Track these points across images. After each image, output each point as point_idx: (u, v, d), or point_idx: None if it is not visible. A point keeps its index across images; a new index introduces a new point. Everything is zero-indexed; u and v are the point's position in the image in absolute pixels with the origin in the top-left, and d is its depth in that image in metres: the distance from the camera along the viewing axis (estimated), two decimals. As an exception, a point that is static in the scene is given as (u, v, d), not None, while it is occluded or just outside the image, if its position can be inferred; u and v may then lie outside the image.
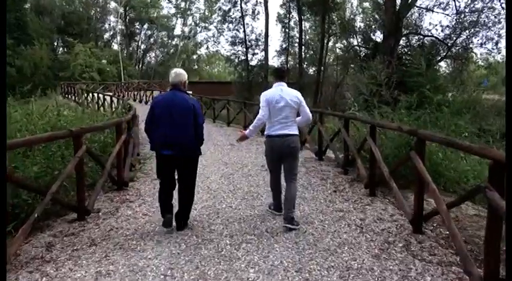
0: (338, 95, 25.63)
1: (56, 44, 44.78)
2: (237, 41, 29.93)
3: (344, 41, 30.57)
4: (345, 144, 6.84)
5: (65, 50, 43.76)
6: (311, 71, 31.59)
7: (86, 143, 5.70)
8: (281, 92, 4.10)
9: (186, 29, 50.19)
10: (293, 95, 4.13)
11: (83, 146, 4.44)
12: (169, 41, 51.20)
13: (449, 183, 5.53)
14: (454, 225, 3.17)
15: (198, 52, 52.92)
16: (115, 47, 48.00)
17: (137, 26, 49.72)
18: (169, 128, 3.81)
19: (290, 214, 4.06)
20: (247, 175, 6.74)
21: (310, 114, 4.23)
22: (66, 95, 24.58)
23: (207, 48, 45.13)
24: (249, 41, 29.96)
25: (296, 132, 4.14)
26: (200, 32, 49.84)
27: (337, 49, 33.33)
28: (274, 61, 32.74)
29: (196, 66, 53.98)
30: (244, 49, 29.83)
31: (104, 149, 6.66)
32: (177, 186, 4.09)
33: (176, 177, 4.08)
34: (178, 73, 3.97)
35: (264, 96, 4.16)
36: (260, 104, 4.14)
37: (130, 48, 50.40)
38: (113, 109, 12.46)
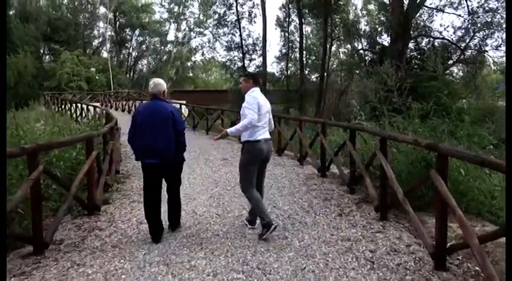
0: (342, 103, 25.28)
1: (42, 51, 44.65)
2: (232, 46, 30.00)
3: (348, 46, 30.38)
4: (351, 159, 6.37)
5: (51, 58, 43.70)
6: (313, 77, 31.38)
7: (52, 161, 5.27)
8: (264, 97, 4.35)
9: (180, 35, 50.49)
10: (267, 101, 4.44)
11: (39, 165, 3.96)
12: (162, 47, 51.40)
13: (472, 203, 5.03)
14: (490, 264, 2.67)
15: (193, 59, 53.31)
16: (104, 54, 48.02)
17: (128, 32, 49.93)
18: (151, 137, 4.05)
19: (268, 219, 4.25)
20: (240, 195, 6.23)
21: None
22: (49, 106, 24.14)
23: (203, 54, 45.16)
24: (246, 46, 30.10)
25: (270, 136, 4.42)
26: (195, 37, 50.22)
27: (340, 54, 33.16)
28: (274, 67, 32.82)
29: (191, 74, 54.10)
30: (241, 54, 29.93)
31: (76, 167, 6.20)
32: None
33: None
34: (157, 83, 4.28)
35: (255, 99, 4.23)
36: (249, 106, 4.17)
37: (121, 56, 50.67)
38: (92, 121, 11.99)
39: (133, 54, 51.42)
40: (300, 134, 9.03)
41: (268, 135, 4.33)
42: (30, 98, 29.54)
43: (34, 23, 41.06)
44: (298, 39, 29.75)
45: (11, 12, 41.10)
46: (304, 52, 29.76)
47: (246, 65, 29.98)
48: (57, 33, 42.41)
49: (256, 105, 4.19)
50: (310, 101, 27.31)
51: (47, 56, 45.48)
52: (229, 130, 4.25)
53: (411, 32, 18.94)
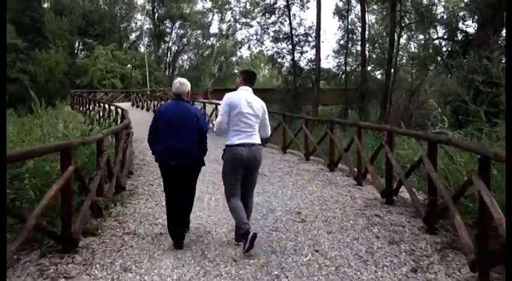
0: (414, 104, 23.37)
1: (76, 46, 46.14)
2: (280, 36, 29.02)
3: (421, 36, 28.37)
4: (429, 183, 5.04)
5: (85, 53, 44.97)
6: (377, 74, 29.71)
7: (23, 176, 4.47)
8: (248, 97, 4.37)
9: (224, 27, 50.65)
10: (260, 103, 4.46)
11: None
12: (204, 40, 51.81)
13: None
14: None
15: (238, 53, 53.33)
16: (142, 49, 48.95)
17: (167, 25, 50.43)
18: (172, 138, 4.34)
19: (247, 227, 4.23)
20: (272, 229, 5.13)
21: (270, 130, 4.65)
22: (76, 106, 24.42)
23: (249, 48, 44.37)
24: (296, 36, 29.04)
25: (259, 141, 4.42)
26: (240, 29, 49.79)
27: (411, 46, 31.13)
28: (329, 62, 31.43)
29: (236, 71, 53.66)
30: (290, 46, 28.86)
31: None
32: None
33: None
34: (182, 83, 4.58)
35: (228, 98, 4.37)
36: (220, 107, 4.39)
37: (159, 51, 51.29)
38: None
39: (173, 48, 52.07)
40: (359, 144, 7.77)
41: (253, 140, 4.35)
42: (60, 97, 30.31)
43: (69, 16, 42.43)
44: (360, 29, 28.27)
45: (45, 5, 42.84)
46: (367, 44, 28.17)
47: (296, 58, 28.98)
48: (92, 27, 43.46)
49: (226, 107, 4.34)
50: (374, 102, 25.72)
51: (81, 52, 46.92)
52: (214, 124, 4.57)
53: (504, 15, 16.85)
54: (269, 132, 4.66)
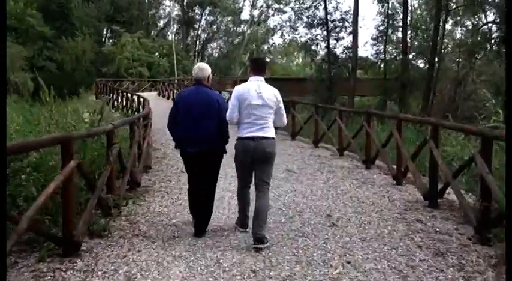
0: (461, 95, 22.33)
1: (104, 33, 46.67)
2: (315, 21, 28.29)
3: (468, 21, 27.11)
4: (483, 186, 4.51)
5: (113, 41, 45.44)
6: (420, 62, 28.64)
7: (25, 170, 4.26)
8: (258, 88, 4.34)
9: (256, 13, 50.25)
10: (272, 93, 4.41)
11: None
12: (235, 27, 51.61)
13: None
14: None
15: (270, 41, 52.96)
16: (170, 37, 49.07)
17: (197, 11, 50.43)
18: (194, 124, 4.43)
19: (260, 233, 4.23)
20: (299, 234, 4.73)
21: (285, 117, 4.59)
22: (100, 95, 24.64)
23: (282, 35, 43.83)
24: (332, 22, 28.21)
25: (273, 135, 4.40)
26: (273, 15, 49.27)
27: (457, 32, 29.84)
28: (367, 49, 30.59)
29: (267, 59, 53.01)
30: (325, 32, 28.09)
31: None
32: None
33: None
34: (201, 68, 4.67)
35: (236, 91, 4.41)
36: (230, 101, 4.42)
37: (188, 39, 51.48)
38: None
39: (202, 36, 52.20)
40: (399, 139, 7.24)
41: (263, 133, 4.34)
42: (86, 86, 30.70)
43: (96, 3, 42.85)
44: (401, 14, 27.27)
45: (73, -9, 43.42)
46: (409, 31, 27.08)
47: (331, 45, 28.11)
48: (119, 14, 43.74)
49: (235, 101, 4.34)
50: (415, 92, 24.76)
51: (108, 40, 47.43)
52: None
53: None
54: (285, 121, 4.61)
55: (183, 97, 4.69)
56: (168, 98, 25.00)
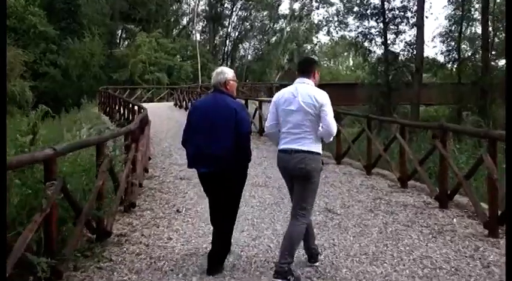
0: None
1: (118, 34, 47.26)
2: (368, 11, 27.07)
3: None
4: None
5: (126, 42, 45.50)
6: (501, 63, 26.94)
7: None
8: (295, 90, 4.43)
9: (297, 6, 50.07)
10: (309, 94, 4.36)
11: None
12: (272, 24, 51.39)
13: None
14: None
15: (314, 40, 52.78)
16: (197, 36, 49.08)
17: (226, 5, 50.66)
18: (205, 138, 4.52)
19: (284, 265, 4.21)
20: None
21: (334, 126, 4.36)
22: (103, 106, 24.15)
23: (328, 33, 42.61)
24: (390, 11, 27.06)
25: (312, 148, 4.33)
26: (317, 8, 48.52)
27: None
28: (436, 45, 29.02)
29: None
30: (381, 25, 26.99)
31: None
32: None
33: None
34: (219, 72, 4.78)
35: (275, 96, 4.65)
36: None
37: (216, 38, 51.64)
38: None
39: (233, 35, 52.29)
40: (492, 168, 5.71)
41: (298, 145, 4.33)
42: (94, 95, 30.30)
43: (108, -1, 43.02)
44: (479, 4, 25.98)
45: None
46: (490, 25, 25.38)
47: (389, 41, 26.95)
48: (135, 10, 43.86)
49: (272, 108, 4.52)
50: (497, 100, 23.02)
51: (124, 41, 48.03)
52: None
53: None
54: (332, 131, 4.37)
55: (197, 107, 4.79)
56: (186, 109, 24.17)
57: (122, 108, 18.33)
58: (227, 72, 4.72)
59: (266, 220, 6.35)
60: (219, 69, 4.84)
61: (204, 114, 4.57)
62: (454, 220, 6.31)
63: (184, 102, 24.75)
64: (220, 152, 4.43)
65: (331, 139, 4.53)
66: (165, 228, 6.13)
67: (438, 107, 30.00)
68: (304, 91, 4.35)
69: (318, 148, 4.36)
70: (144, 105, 25.59)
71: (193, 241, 5.59)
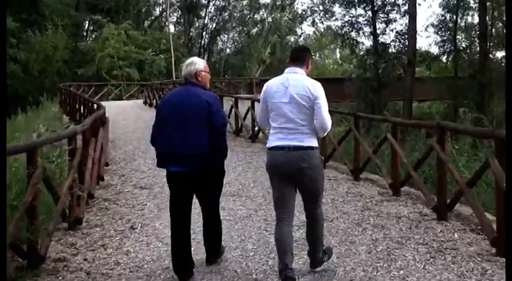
0: None
1: (84, 26, 46.73)
2: (355, -1, 27.14)
3: None
4: None
5: (94, 35, 44.83)
6: (499, 55, 27.27)
7: None
8: (286, 81, 4.35)
9: None
10: (303, 85, 4.31)
11: None
12: (252, 14, 51.10)
13: None
14: None
15: (298, 31, 52.85)
16: (171, 28, 49.00)
17: (203, -6, 50.06)
18: (176, 134, 4.49)
19: (318, 254, 4.57)
20: None
21: (329, 119, 4.36)
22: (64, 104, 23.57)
23: (313, 23, 42.45)
24: None
25: (312, 143, 4.33)
26: (301, -3, 48.53)
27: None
28: (430, 35, 29.02)
29: None
30: (370, 13, 26.81)
31: None
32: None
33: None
34: (189, 63, 4.82)
35: (264, 86, 4.54)
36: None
37: (192, 30, 51.51)
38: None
39: (210, 26, 51.92)
40: (501, 174, 5.21)
41: (294, 141, 4.26)
42: (55, 93, 29.59)
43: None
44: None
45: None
46: (488, 13, 25.38)
47: (378, 31, 26.77)
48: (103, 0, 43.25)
49: (262, 102, 4.47)
50: (499, 94, 22.90)
51: (90, 33, 47.30)
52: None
53: None
54: (327, 125, 4.32)
55: (166, 100, 4.83)
56: (156, 108, 23.71)
57: (82, 107, 17.72)
58: (198, 63, 4.74)
59: (235, 238, 5.79)
60: (190, 60, 4.86)
61: (174, 108, 4.55)
62: (455, 234, 5.81)
63: (155, 100, 24.33)
64: (193, 149, 4.42)
65: (325, 134, 4.56)
66: (113, 250, 5.55)
67: (431, 103, 29.92)
68: (296, 82, 4.28)
69: (316, 142, 4.35)
70: (111, 103, 25.21)
71: (145, 266, 5.02)
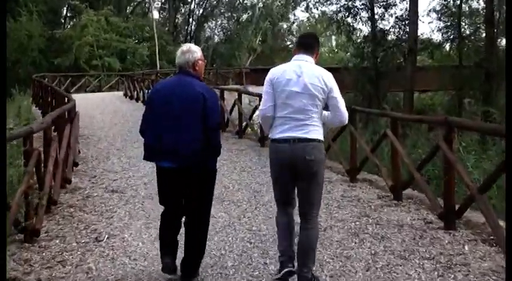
0: None
1: (63, 12, 46.74)
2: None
3: None
4: None
5: (71, 22, 45.07)
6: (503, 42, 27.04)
7: None
8: (298, 68, 4.36)
9: None
10: (317, 75, 4.35)
11: None
12: (242, 0, 51.31)
13: None
14: None
15: (291, 17, 53.13)
16: (155, 14, 49.19)
17: (190, -22, 50.59)
18: (167, 127, 4.49)
19: (305, 273, 4.31)
20: None
21: (345, 112, 4.45)
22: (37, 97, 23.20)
23: (307, 9, 42.17)
24: None
25: (317, 135, 4.37)
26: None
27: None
28: (432, 21, 29.12)
29: (288, 42, 53.90)
30: None
31: None
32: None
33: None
34: (185, 50, 4.70)
35: (270, 73, 4.51)
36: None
37: (178, 17, 51.70)
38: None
39: (197, 12, 51.97)
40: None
41: (302, 133, 4.29)
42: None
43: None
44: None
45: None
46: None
47: (376, 15, 26.62)
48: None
49: (268, 87, 4.41)
50: (502, 84, 22.83)
51: (69, 20, 47.12)
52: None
53: None
54: (344, 119, 4.48)
55: (158, 89, 4.77)
56: (137, 100, 23.63)
57: (53, 100, 17.30)
58: (196, 51, 4.66)
59: (214, 252, 5.40)
60: (186, 47, 4.75)
61: (167, 99, 4.50)
62: (466, 247, 5.43)
63: (136, 92, 24.10)
64: (186, 144, 4.41)
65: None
66: (73, 267, 5.10)
67: (433, 94, 29.64)
68: (310, 71, 4.28)
69: (322, 135, 4.38)
70: (88, 96, 24.76)
71: (107, 287, 4.59)
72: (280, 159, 4.33)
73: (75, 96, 24.95)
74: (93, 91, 32.29)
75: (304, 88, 4.24)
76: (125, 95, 26.27)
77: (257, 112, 5.07)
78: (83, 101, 22.90)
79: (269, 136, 4.47)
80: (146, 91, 21.47)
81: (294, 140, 4.24)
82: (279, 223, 4.56)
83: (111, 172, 9.50)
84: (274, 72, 4.42)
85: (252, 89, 18.98)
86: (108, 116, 18.23)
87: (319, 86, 4.24)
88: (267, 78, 4.43)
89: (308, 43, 4.52)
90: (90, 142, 13.06)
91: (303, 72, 4.28)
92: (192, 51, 4.65)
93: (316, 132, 4.31)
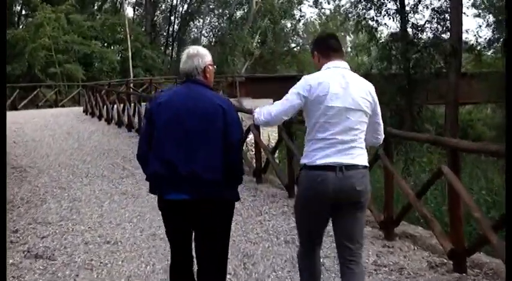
0: None
1: (17, 10, 46.95)
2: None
3: None
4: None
5: (25, 20, 45.55)
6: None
7: None
8: (343, 79, 4.46)
9: None
10: (365, 87, 4.51)
11: None
12: None
13: None
14: None
15: (297, 14, 53.12)
16: (130, 13, 50.88)
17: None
18: (178, 150, 4.47)
19: None
20: None
21: (382, 134, 4.77)
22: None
23: (316, 4, 41.88)
24: None
25: (365, 161, 4.53)
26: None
27: None
28: (478, 13, 27.94)
29: (293, 45, 55.43)
30: None
31: None
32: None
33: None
34: (193, 54, 4.71)
35: (306, 82, 4.50)
36: (290, 90, 4.60)
37: (157, 14, 52.57)
38: None
39: (180, 9, 52.84)
40: None
41: (351, 158, 4.38)
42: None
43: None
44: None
45: None
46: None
47: (407, 7, 26.35)
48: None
49: (297, 99, 4.41)
50: None
51: (21, 19, 47.48)
52: (255, 114, 4.81)
53: None
54: (381, 139, 4.76)
55: (162, 103, 4.60)
56: (100, 118, 23.42)
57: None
58: (206, 54, 4.69)
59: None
60: (192, 50, 4.75)
61: (178, 114, 4.47)
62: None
63: (99, 107, 23.62)
64: (203, 171, 4.40)
65: None
66: None
67: (472, 107, 29.64)
68: (357, 81, 4.42)
69: (367, 160, 4.53)
70: (39, 113, 23.81)
71: None
72: (321, 191, 4.30)
73: (21, 113, 24.00)
74: (50, 106, 32.15)
75: (354, 103, 4.30)
76: (85, 111, 25.95)
77: (257, 109, 4.62)
78: (31, 120, 21.97)
79: (305, 162, 4.40)
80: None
81: (341, 168, 4.27)
82: (304, 268, 4.62)
83: (42, 223, 8.53)
84: (311, 82, 4.37)
85: (247, 102, 17.96)
86: (58, 139, 17.76)
87: (368, 100, 4.34)
88: (302, 84, 4.37)
89: (339, 46, 4.60)
90: (26, 176, 12.24)
91: (348, 83, 4.32)
92: (202, 54, 4.64)
93: (364, 156, 4.41)
